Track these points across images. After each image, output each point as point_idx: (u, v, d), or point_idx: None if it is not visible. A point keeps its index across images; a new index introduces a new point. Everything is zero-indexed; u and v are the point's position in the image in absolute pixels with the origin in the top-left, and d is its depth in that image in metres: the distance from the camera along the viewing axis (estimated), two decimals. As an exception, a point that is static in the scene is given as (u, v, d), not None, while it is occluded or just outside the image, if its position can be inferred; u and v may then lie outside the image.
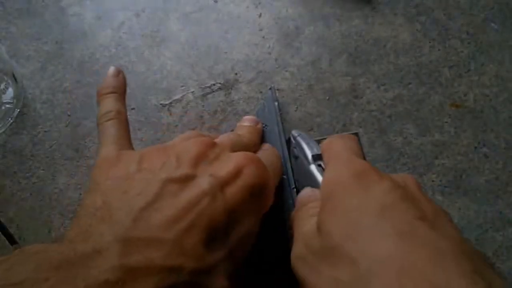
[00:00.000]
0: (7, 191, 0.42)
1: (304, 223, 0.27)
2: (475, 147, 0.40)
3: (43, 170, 0.42)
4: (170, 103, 0.44)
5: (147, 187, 0.25)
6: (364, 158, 0.28)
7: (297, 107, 0.43)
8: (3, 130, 0.44)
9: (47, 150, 0.43)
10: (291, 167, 0.36)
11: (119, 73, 0.34)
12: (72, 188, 0.42)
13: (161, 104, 0.45)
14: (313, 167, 0.31)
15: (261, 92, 0.44)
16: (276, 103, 0.39)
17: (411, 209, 0.22)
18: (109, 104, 0.32)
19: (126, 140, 0.31)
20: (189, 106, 0.44)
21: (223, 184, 0.27)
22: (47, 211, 0.41)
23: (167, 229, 0.24)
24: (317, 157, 0.32)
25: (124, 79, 0.34)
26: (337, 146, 0.29)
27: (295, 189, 0.35)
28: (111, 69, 0.34)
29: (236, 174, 0.28)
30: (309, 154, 0.32)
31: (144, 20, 0.49)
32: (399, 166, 0.40)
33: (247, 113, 0.43)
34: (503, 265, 0.36)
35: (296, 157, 0.34)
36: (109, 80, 0.33)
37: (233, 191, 0.27)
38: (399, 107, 0.43)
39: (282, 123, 0.39)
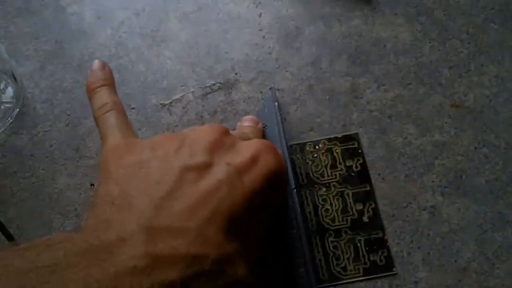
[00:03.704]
0: (7, 191, 0.41)
1: None
2: (475, 148, 0.40)
3: (43, 170, 0.42)
4: (170, 102, 0.44)
5: (165, 175, 0.25)
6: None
7: (297, 107, 0.43)
8: (2, 129, 0.44)
9: (47, 150, 0.43)
10: (290, 165, 0.35)
11: (104, 66, 0.34)
12: (72, 188, 0.41)
13: (161, 104, 0.44)
14: None
15: (261, 92, 0.44)
16: (276, 103, 0.39)
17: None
18: (103, 96, 0.32)
19: (129, 129, 0.31)
20: (189, 106, 0.44)
21: (240, 171, 0.27)
22: (47, 211, 0.41)
23: (189, 217, 0.24)
24: None
25: (111, 71, 0.34)
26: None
27: (295, 190, 0.35)
28: (96, 63, 0.33)
29: (253, 161, 0.28)
30: None
31: (144, 19, 0.48)
32: (399, 166, 0.40)
33: (247, 113, 0.43)
34: (503, 265, 0.36)
35: None
36: (97, 73, 0.33)
37: (251, 178, 0.27)
38: (399, 107, 0.43)
39: (282, 123, 0.39)
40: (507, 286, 0.35)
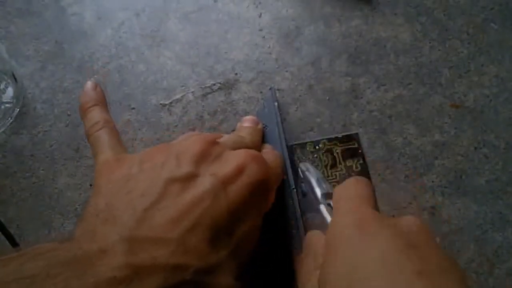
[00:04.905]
0: (7, 191, 0.42)
1: (309, 277, 0.27)
2: (475, 148, 0.40)
3: (43, 170, 0.42)
4: (170, 103, 0.44)
5: (150, 188, 0.26)
6: (376, 204, 0.27)
7: (297, 107, 0.43)
8: (2, 129, 0.44)
9: (47, 150, 0.43)
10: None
11: (96, 86, 0.35)
12: (72, 188, 0.42)
13: (161, 104, 0.44)
14: (322, 207, 0.30)
15: (261, 92, 0.44)
16: (276, 104, 0.39)
17: (411, 262, 0.22)
18: (95, 115, 0.33)
19: (121, 146, 0.32)
20: (189, 106, 0.44)
21: (225, 182, 0.27)
22: (47, 211, 0.41)
23: (171, 228, 0.24)
24: (326, 196, 0.31)
25: (103, 91, 0.35)
26: (349, 192, 0.28)
27: (295, 190, 0.35)
28: (88, 84, 0.35)
29: (238, 172, 0.28)
30: (318, 193, 0.31)
31: (144, 20, 0.48)
32: (400, 166, 0.40)
33: (247, 113, 0.43)
34: (503, 265, 0.36)
35: (305, 194, 0.34)
36: (90, 93, 0.34)
37: (235, 189, 0.27)
38: (399, 107, 0.43)
39: (282, 123, 0.39)
40: (507, 286, 0.35)
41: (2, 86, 0.45)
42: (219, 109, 0.44)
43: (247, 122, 0.38)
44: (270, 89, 0.43)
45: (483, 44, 0.45)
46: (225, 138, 0.32)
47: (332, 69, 0.45)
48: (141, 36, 0.48)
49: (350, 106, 0.43)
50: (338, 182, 0.40)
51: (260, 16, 0.48)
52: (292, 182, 0.35)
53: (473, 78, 0.43)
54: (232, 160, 0.29)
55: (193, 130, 0.43)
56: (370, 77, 0.44)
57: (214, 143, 0.30)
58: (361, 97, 0.43)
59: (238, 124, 0.39)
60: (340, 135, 0.42)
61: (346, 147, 0.41)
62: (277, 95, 0.44)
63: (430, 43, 0.45)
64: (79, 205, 0.41)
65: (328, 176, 0.40)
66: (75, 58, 0.47)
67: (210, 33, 0.47)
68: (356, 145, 0.41)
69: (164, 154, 0.28)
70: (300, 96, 0.44)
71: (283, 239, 0.35)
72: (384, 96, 0.43)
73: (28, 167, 0.43)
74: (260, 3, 0.48)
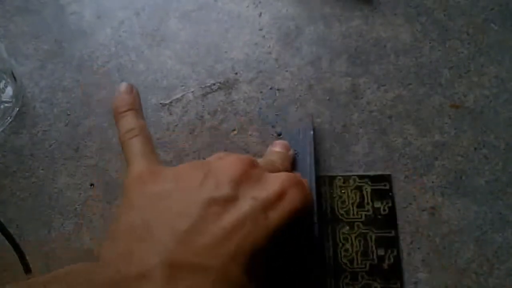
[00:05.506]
0: (7, 191, 0.41)
1: None
2: (475, 148, 0.40)
3: (42, 169, 0.42)
4: (170, 102, 0.44)
5: (188, 208, 0.25)
6: None
7: (297, 107, 0.43)
8: (2, 129, 0.44)
9: (46, 150, 0.43)
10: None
11: (132, 89, 0.33)
12: (72, 188, 0.41)
13: (161, 103, 0.44)
14: None
15: (261, 92, 0.44)
16: (312, 132, 0.38)
17: None
18: (130, 121, 0.31)
19: (154, 156, 0.30)
20: (189, 105, 0.44)
21: (266, 207, 0.26)
22: (47, 211, 0.41)
23: (212, 255, 0.23)
24: None
25: (138, 95, 0.34)
26: None
27: (317, 224, 0.34)
28: (123, 86, 0.33)
29: (280, 197, 0.27)
30: None
31: (144, 19, 0.48)
32: (400, 166, 0.40)
33: (247, 113, 0.43)
34: (503, 266, 0.36)
35: None
36: (124, 97, 0.33)
37: (276, 215, 0.26)
38: (399, 108, 0.43)
39: (315, 153, 0.38)
40: (507, 287, 0.36)
41: (2, 85, 0.45)
42: (219, 109, 0.44)
43: (278, 146, 0.37)
44: (308, 115, 0.42)
45: (483, 45, 0.45)
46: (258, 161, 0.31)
47: (332, 69, 0.45)
48: (141, 35, 0.48)
49: (350, 106, 0.43)
50: (363, 223, 0.38)
51: (260, 15, 0.48)
52: (315, 216, 0.35)
53: (473, 78, 0.43)
54: (273, 183, 0.27)
55: (193, 129, 0.43)
56: (370, 77, 0.44)
57: (253, 165, 0.29)
58: (361, 97, 0.43)
59: (269, 148, 0.37)
60: (372, 174, 0.40)
61: (377, 187, 0.39)
62: (277, 95, 0.44)
63: (430, 43, 0.45)
64: (79, 205, 0.41)
65: (353, 215, 0.39)
66: (74, 57, 0.47)
67: (210, 32, 0.47)
68: (387, 187, 0.39)
69: (201, 172, 0.27)
70: (300, 96, 0.44)
71: (299, 272, 0.34)
72: (384, 96, 0.43)
73: (28, 166, 0.42)
74: (260, 2, 0.48)
